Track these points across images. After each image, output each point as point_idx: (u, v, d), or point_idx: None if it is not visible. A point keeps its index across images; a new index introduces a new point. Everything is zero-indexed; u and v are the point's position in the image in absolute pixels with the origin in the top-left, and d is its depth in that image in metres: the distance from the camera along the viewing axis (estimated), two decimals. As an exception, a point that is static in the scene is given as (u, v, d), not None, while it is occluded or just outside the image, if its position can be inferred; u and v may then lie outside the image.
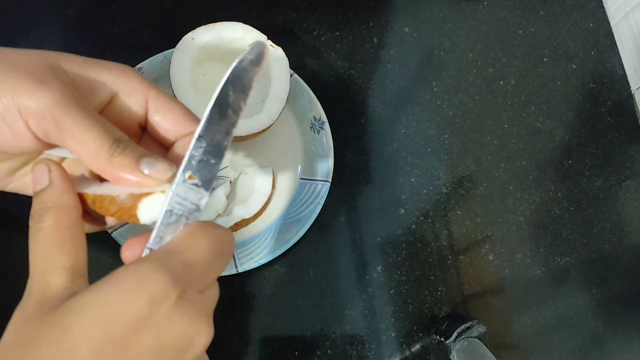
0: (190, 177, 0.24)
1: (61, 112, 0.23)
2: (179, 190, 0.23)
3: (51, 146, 0.25)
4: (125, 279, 0.21)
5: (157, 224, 0.23)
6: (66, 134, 0.23)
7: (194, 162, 0.24)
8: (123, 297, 0.20)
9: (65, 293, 0.21)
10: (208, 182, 0.24)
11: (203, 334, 0.22)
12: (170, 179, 0.24)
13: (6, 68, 0.23)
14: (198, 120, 0.27)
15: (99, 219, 0.27)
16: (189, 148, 0.23)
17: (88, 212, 0.26)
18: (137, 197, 0.23)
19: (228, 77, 0.24)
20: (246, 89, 0.24)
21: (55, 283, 0.22)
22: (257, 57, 0.25)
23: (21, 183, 0.28)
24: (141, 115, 0.27)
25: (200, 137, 0.24)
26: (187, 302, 0.22)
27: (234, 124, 0.24)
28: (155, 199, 0.24)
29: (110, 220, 0.27)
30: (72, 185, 0.24)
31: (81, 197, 0.25)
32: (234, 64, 0.24)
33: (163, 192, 0.24)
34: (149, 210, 0.24)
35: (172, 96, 0.29)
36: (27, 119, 0.23)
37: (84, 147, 0.23)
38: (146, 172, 0.24)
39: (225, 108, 0.24)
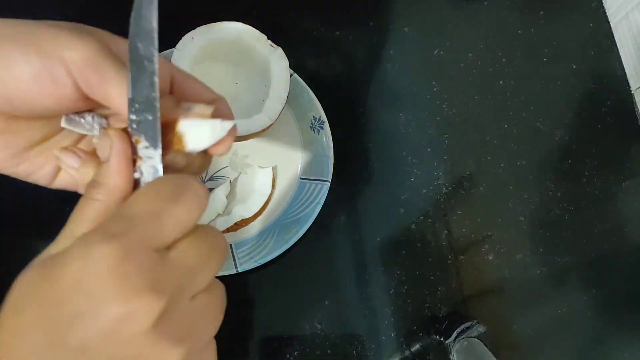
0: (137, 142, 0.24)
1: (103, 61, 0.23)
2: (142, 163, 0.23)
3: (86, 103, 0.25)
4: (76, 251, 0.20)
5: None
6: (108, 82, 0.24)
7: (135, 126, 0.23)
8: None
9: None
10: (154, 140, 0.23)
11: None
12: (212, 115, 0.25)
13: (41, 25, 0.25)
14: (211, 92, 0.28)
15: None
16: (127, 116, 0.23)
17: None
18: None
19: (130, 32, 0.24)
20: (150, 32, 0.24)
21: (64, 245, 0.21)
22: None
23: (33, 164, 0.27)
24: (166, 88, 0.28)
25: (130, 99, 0.23)
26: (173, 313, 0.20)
27: (154, 73, 0.24)
28: (190, 120, 0.24)
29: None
30: (128, 165, 0.24)
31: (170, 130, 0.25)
32: (131, 18, 0.24)
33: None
34: (189, 127, 0.24)
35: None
36: (69, 66, 0.23)
37: (123, 88, 0.24)
38: (186, 108, 0.25)
39: (140, 61, 0.24)
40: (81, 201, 0.23)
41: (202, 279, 0.22)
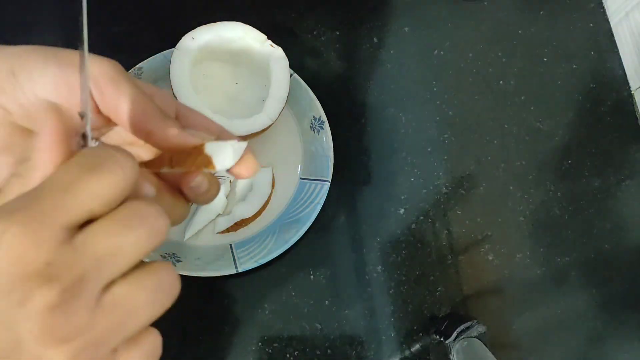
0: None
1: (120, 76, 0.24)
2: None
3: (98, 119, 0.25)
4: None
5: None
6: (121, 94, 0.24)
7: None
8: None
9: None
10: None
11: None
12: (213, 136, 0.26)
13: (62, 49, 0.25)
14: (215, 124, 0.29)
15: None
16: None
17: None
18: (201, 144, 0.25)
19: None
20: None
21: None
22: None
23: None
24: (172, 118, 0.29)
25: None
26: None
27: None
28: (216, 143, 0.25)
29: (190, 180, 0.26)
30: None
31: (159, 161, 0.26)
32: None
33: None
34: (216, 149, 0.25)
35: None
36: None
37: (137, 106, 0.24)
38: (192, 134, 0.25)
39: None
40: (8, 179, 0.22)
41: (114, 268, 0.18)
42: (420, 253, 0.50)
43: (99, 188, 0.18)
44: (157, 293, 0.19)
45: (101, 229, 0.18)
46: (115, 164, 0.19)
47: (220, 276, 0.45)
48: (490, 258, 0.50)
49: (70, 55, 0.24)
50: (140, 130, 0.25)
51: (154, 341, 0.20)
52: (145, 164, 0.26)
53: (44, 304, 0.16)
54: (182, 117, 0.29)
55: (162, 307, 0.19)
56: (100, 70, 0.24)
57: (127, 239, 0.18)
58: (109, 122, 0.26)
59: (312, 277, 0.48)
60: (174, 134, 0.25)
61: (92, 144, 0.25)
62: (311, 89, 0.50)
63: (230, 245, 0.47)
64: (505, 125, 0.54)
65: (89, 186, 0.18)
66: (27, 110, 0.24)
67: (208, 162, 0.25)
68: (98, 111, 0.25)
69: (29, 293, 0.16)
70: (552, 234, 0.51)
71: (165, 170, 0.26)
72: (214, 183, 0.27)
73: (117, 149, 0.20)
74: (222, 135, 0.28)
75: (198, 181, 0.26)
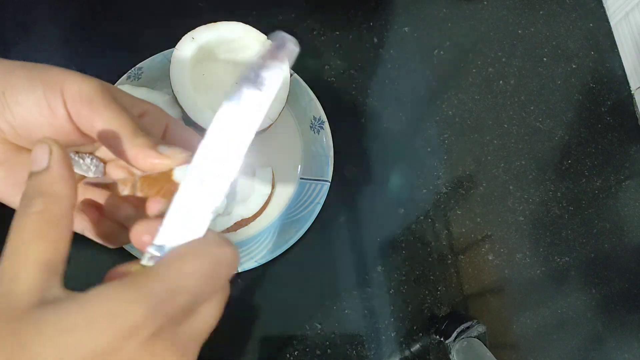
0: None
1: (97, 96, 0.25)
2: (187, 186, 0.22)
3: (79, 138, 0.26)
4: (97, 304, 0.19)
5: (166, 217, 0.22)
6: (96, 114, 0.25)
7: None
8: (88, 326, 0.18)
9: (33, 295, 0.20)
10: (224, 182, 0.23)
11: None
12: (186, 159, 0.25)
13: (54, 66, 0.26)
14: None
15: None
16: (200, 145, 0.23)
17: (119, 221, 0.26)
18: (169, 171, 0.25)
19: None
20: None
21: (27, 279, 0.20)
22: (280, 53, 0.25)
23: None
24: (160, 135, 0.29)
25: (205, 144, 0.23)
26: (161, 340, 0.20)
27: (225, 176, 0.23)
28: (185, 167, 0.25)
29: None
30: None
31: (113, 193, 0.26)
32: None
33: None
34: (185, 174, 0.24)
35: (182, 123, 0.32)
36: (66, 98, 0.25)
37: (110, 126, 0.25)
38: (162, 151, 0.25)
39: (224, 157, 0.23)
40: (19, 219, 0.21)
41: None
42: (420, 253, 0.50)
43: (214, 290, 0.22)
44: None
45: (207, 312, 0.23)
46: (230, 269, 0.22)
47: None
48: (490, 258, 0.50)
49: (55, 76, 0.25)
50: (114, 150, 0.25)
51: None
52: (107, 186, 0.26)
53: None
54: (171, 133, 0.29)
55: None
56: (80, 92, 0.25)
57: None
58: (93, 141, 0.26)
59: (312, 277, 0.48)
60: (137, 156, 0.25)
61: (87, 161, 0.28)
62: (311, 89, 0.50)
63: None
64: (505, 125, 0.54)
65: (210, 292, 0.22)
66: (17, 130, 0.25)
67: (176, 189, 0.23)
68: (83, 132, 0.26)
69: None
70: (552, 234, 0.51)
71: (126, 193, 0.26)
72: None
73: (233, 251, 0.22)
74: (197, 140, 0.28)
75: (158, 210, 0.25)
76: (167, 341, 0.20)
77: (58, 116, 0.25)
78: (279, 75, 0.23)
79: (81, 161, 0.27)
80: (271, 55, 0.24)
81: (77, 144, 0.27)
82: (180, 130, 0.30)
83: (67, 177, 0.23)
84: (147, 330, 0.19)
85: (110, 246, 0.29)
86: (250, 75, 0.23)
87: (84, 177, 0.28)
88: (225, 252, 0.22)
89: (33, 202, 0.21)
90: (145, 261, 0.22)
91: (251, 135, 0.23)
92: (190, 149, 0.27)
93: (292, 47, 0.25)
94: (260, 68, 0.23)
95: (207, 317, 0.22)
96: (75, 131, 0.26)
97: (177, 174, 0.24)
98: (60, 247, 0.21)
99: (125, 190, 0.26)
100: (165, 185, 0.25)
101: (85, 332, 0.18)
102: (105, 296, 0.19)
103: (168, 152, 0.25)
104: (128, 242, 0.27)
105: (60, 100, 0.25)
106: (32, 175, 0.22)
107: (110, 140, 0.25)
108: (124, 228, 0.28)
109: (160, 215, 0.23)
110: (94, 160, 0.28)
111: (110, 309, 0.19)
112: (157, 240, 0.22)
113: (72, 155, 0.27)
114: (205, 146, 0.23)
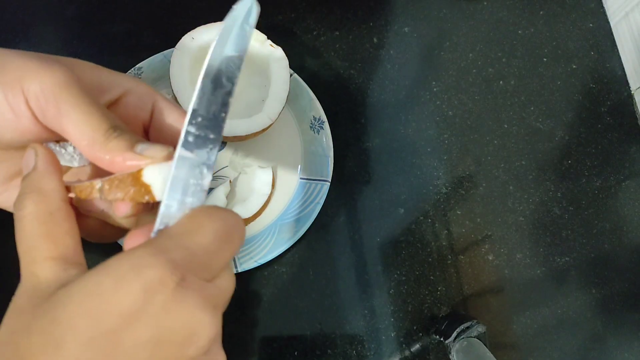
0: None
1: (61, 93, 0.23)
2: (179, 172, 0.21)
3: (51, 135, 0.25)
4: (118, 266, 0.19)
5: (160, 211, 0.22)
6: (63, 116, 0.23)
7: (190, 139, 0.22)
8: (115, 285, 0.19)
9: (56, 283, 0.20)
10: (212, 162, 0.22)
11: (206, 326, 0.20)
12: (168, 157, 0.23)
13: (13, 53, 0.24)
14: None
15: (113, 225, 0.26)
16: (184, 124, 0.22)
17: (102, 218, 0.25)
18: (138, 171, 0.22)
19: (217, 40, 0.22)
20: (241, 51, 0.23)
21: (43, 274, 0.21)
22: (247, 14, 0.23)
23: (13, 195, 0.25)
24: (146, 117, 0.27)
25: (194, 110, 0.22)
26: (187, 290, 0.20)
27: (229, 93, 0.22)
28: (158, 166, 0.22)
29: (122, 210, 0.25)
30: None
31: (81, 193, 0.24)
32: (222, 24, 0.22)
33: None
34: (157, 174, 0.22)
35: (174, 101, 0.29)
36: (27, 97, 0.23)
37: (80, 130, 0.23)
38: (140, 151, 0.23)
39: (218, 76, 0.23)
40: (17, 223, 0.22)
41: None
42: (420, 253, 0.50)
43: (229, 257, 0.22)
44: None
45: (228, 276, 0.23)
46: (241, 237, 0.23)
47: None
48: (490, 258, 0.50)
49: (13, 72, 0.23)
50: (88, 156, 0.24)
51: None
52: (78, 190, 0.23)
53: (214, 334, 0.21)
54: (158, 113, 0.27)
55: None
56: (42, 89, 0.23)
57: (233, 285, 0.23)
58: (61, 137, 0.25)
59: (312, 277, 0.48)
60: (112, 163, 0.23)
61: (70, 149, 0.26)
62: (311, 89, 0.50)
63: (230, 245, 0.47)
64: (505, 125, 0.54)
65: (225, 257, 0.22)
66: None
67: (146, 191, 0.22)
68: (50, 130, 0.24)
69: (203, 329, 0.21)
70: (552, 234, 0.51)
71: (94, 196, 0.23)
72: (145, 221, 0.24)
73: (239, 218, 0.23)
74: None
75: (127, 211, 0.24)
76: (196, 291, 0.20)
77: (23, 117, 0.23)
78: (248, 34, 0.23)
79: (63, 150, 0.26)
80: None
81: (50, 140, 0.26)
82: (168, 111, 0.27)
83: (51, 171, 0.23)
84: (172, 280, 0.19)
85: (102, 242, 0.28)
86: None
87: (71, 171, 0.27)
88: (234, 216, 0.22)
89: (24, 203, 0.22)
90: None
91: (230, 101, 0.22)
92: (180, 123, 0.26)
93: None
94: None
95: (227, 282, 0.22)
96: (45, 130, 0.24)
97: (148, 175, 0.22)
98: (67, 240, 0.22)
99: (92, 195, 0.23)
100: (133, 188, 0.22)
101: (113, 291, 0.19)
102: (127, 256, 0.20)
103: (148, 152, 0.23)
104: (118, 237, 0.27)
105: (22, 99, 0.23)
106: (22, 178, 0.23)
107: (82, 146, 0.23)
108: (106, 223, 0.26)
109: (151, 212, 0.23)
110: (77, 149, 0.25)
111: (133, 265, 0.19)
112: (155, 233, 0.22)
113: (52, 145, 0.25)
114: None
